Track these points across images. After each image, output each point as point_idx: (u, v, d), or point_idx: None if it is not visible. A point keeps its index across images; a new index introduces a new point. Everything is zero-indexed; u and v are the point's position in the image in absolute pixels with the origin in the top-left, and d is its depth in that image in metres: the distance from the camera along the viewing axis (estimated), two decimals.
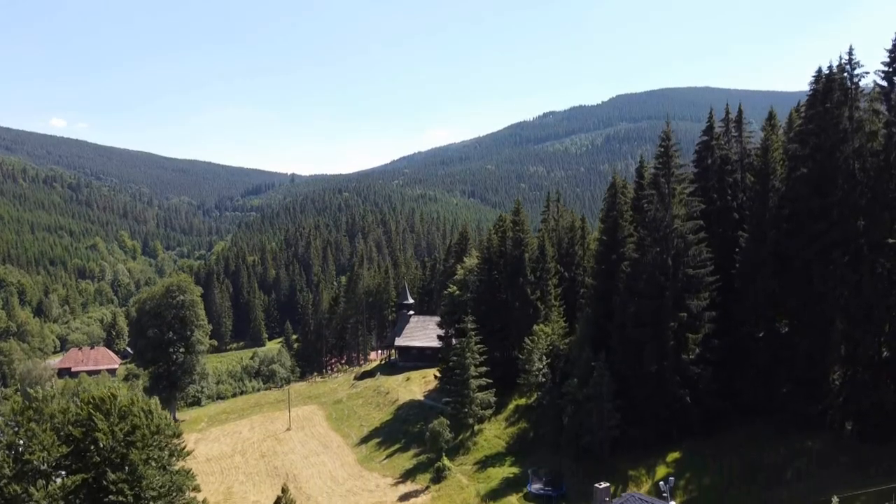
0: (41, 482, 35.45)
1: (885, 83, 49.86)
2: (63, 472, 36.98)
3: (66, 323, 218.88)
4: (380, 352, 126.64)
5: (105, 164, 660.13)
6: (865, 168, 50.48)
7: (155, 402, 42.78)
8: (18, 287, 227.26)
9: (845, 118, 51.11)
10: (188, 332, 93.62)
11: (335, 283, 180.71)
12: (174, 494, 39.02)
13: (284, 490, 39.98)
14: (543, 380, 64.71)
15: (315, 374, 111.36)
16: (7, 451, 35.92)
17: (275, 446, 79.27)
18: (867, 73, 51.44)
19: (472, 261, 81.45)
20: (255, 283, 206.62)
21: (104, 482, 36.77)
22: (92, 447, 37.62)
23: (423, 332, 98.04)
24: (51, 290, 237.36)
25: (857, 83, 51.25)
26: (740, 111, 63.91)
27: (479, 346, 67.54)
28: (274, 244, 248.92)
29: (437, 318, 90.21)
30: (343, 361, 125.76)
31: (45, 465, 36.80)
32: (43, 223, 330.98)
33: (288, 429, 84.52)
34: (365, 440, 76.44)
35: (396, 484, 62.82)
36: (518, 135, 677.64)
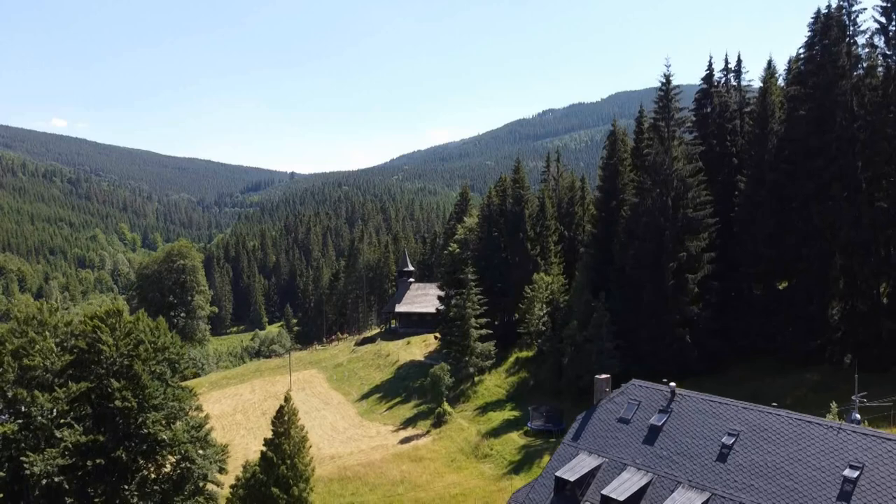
0: (46, 395, 35.67)
1: (883, 19, 50.29)
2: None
3: (67, 309, 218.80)
4: (381, 328, 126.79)
5: (105, 161, 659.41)
6: (864, 103, 50.87)
7: (161, 321, 42.73)
8: (18, 274, 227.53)
9: (843, 54, 51.50)
10: (189, 297, 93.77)
11: (336, 265, 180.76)
12: (176, 407, 39.23)
13: (287, 399, 40.25)
14: (543, 328, 64.92)
15: (315, 343, 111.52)
16: (12, 357, 36.18)
17: (276, 405, 78.44)
18: (864, 9, 52.06)
19: (472, 220, 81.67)
20: (255, 267, 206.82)
21: (108, 389, 37.02)
22: (96, 358, 37.85)
23: (423, 299, 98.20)
24: (51, 278, 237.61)
25: (854, 20, 51.76)
26: (739, 60, 64.34)
27: (479, 297, 67.76)
28: (274, 232, 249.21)
29: (437, 286, 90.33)
30: (344, 333, 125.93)
31: (49, 373, 37.06)
32: (43, 214, 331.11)
33: (289, 390, 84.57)
34: (365, 396, 76.64)
35: (397, 430, 63.03)
36: (517, 132, 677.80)
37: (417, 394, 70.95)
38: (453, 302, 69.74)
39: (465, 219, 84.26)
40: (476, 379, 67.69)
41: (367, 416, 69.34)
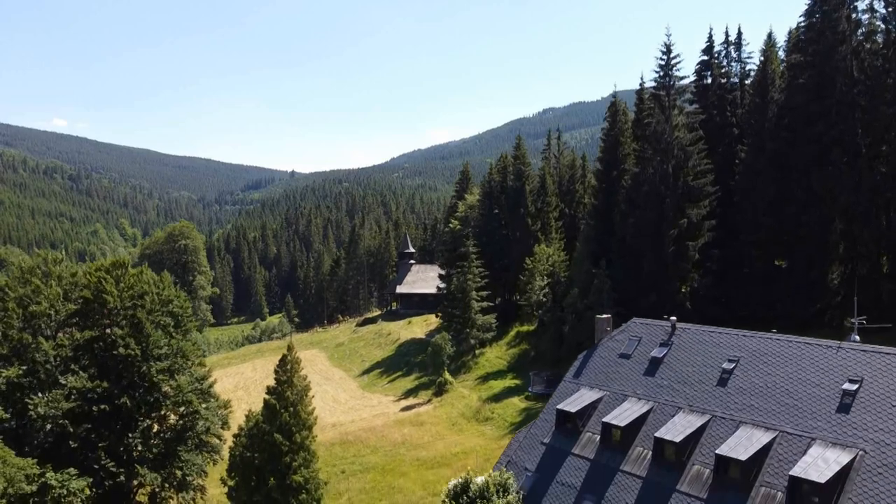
0: (50, 342, 35.93)
1: None
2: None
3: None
4: (382, 311, 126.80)
5: (105, 159, 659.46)
6: (864, 68, 51.12)
7: (166, 275, 42.97)
8: None
9: (843, 19, 51.72)
10: (190, 278, 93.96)
11: (337, 254, 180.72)
12: (179, 359, 39.42)
13: (290, 348, 40.44)
14: (544, 299, 65.11)
15: (316, 325, 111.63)
16: (16, 304, 36.40)
17: None
18: None
19: (473, 197, 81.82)
20: (256, 258, 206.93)
21: (112, 337, 37.26)
22: (100, 309, 38.08)
23: (424, 280, 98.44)
24: None
25: None
26: (739, 32, 64.52)
27: (479, 269, 67.96)
28: (275, 224, 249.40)
29: (438, 264, 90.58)
30: (345, 316, 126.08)
31: (54, 322, 37.31)
32: (43, 209, 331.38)
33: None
34: (366, 372, 76.90)
35: (398, 400, 63.27)
36: (517, 130, 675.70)
37: (419, 367, 71.17)
38: (454, 276, 69.86)
39: (466, 196, 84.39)
40: (477, 352, 67.91)
41: (369, 389, 69.61)
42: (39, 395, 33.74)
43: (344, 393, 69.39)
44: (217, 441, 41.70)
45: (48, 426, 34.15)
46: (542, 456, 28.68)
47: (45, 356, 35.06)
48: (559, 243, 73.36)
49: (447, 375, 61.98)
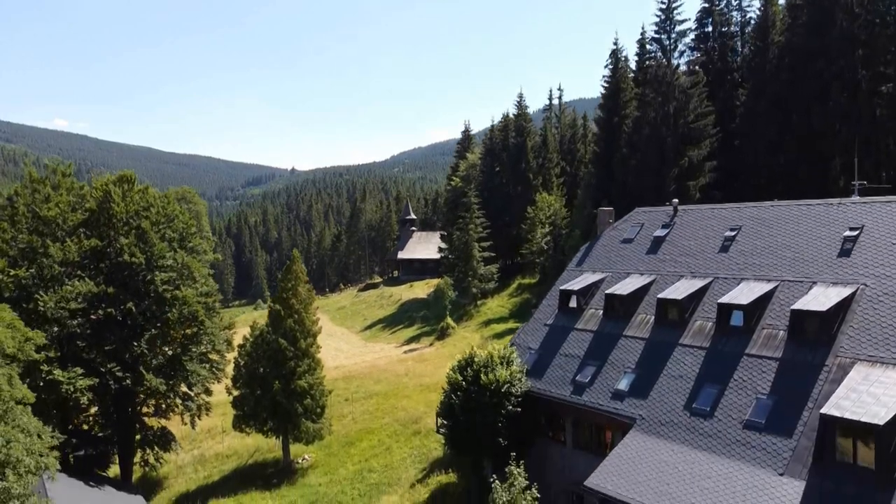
0: (58, 245, 36.19)
1: None
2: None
3: None
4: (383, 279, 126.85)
5: (106, 156, 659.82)
6: (863, 2, 51.40)
7: (170, 193, 43.31)
8: None
9: None
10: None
11: (338, 229, 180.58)
12: (184, 272, 39.66)
13: (294, 258, 40.75)
14: (546, 247, 65.40)
15: (317, 293, 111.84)
16: (25, 208, 36.68)
17: None
18: None
19: (474, 156, 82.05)
20: (258, 242, 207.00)
21: (117, 245, 37.52)
22: (106, 219, 38.34)
23: (425, 246, 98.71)
24: None
25: None
26: None
27: (480, 220, 68.24)
28: (276, 209, 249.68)
29: (440, 226, 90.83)
30: (347, 284, 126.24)
31: (62, 230, 37.55)
32: None
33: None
34: (369, 327, 77.23)
35: (401, 346, 63.60)
36: None
37: (421, 320, 71.51)
38: (456, 229, 70.08)
39: (468, 155, 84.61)
40: (479, 302, 68.21)
41: (371, 340, 69.96)
42: (48, 294, 34.01)
43: (347, 345, 69.72)
44: (219, 358, 41.98)
45: (55, 328, 34.39)
46: (546, 335, 29.01)
47: (53, 260, 35.30)
48: (560, 199, 73.65)
49: (449, 320, 62.29)
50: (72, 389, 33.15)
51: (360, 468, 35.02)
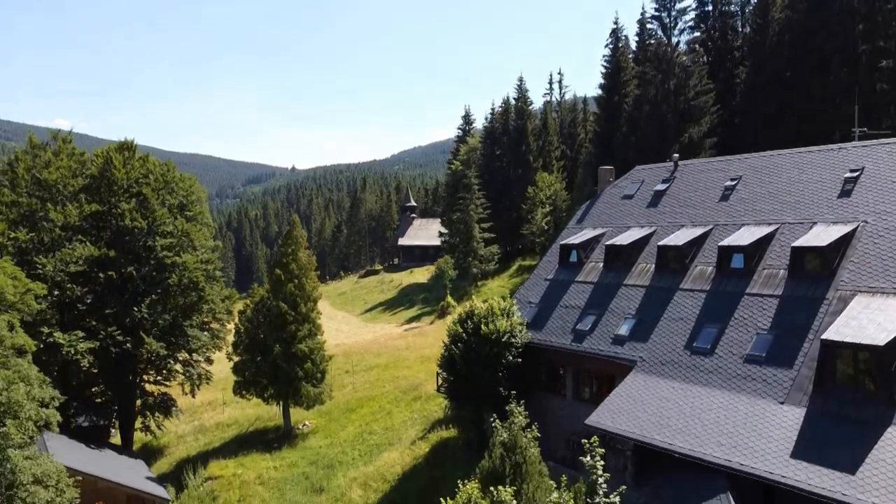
0: (58, 208, 36.21)
1: None
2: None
3: None
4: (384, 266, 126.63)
5: None
6: None
7: (171, 162, 43.38)
8: None
9: None
10: None
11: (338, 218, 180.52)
12: (185, 239, 39.71)
13: (295, 223, 40.74)
14: (546, 227, 65.39)
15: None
16: (25, 171, 36.67)
17: None
18: None
19: (474, 140, 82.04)
20: (258, 235, 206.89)
21: (118, 211, 37.55)
22: (107, 185, 38.37)
23: (426, 233, 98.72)
24: None
25: None
26: None
27: (480, 200, 68.22)
28: (276, 203, 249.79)
29: (440, 212, 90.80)
30: (347, 272, 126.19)
31: (62, 195, 37.55)
32: None
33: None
34: (369, 310, 77.22)
35: (401, 325, 63.57)
36: None
37: (422, 302, 71.52)
38: (457, 211, 70.00)
39: (468, 139, 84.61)
40: (479, 283, 68.19)
41: (372, 321, 69.95)
42: (48, 257, 34.03)
43: (347, 326, 69.72)
44: (219, 327, 42.03)
45: (56, 292, 34.39)
46: (546, 289, 29.02)
47: (53, 224, 35.32)
48: (561, 181, 73.61)
49: (450, 299, 62.29)
50: (73, 352, 33.16)
51: (361, 431, 35.03)
